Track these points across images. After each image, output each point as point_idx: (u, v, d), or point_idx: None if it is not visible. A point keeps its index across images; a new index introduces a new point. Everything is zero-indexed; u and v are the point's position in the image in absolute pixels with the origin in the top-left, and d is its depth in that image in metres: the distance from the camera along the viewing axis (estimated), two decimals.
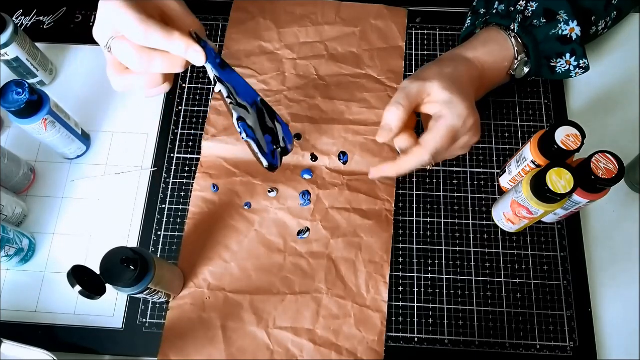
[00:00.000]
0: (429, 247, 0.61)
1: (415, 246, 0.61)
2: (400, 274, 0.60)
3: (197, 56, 0.45)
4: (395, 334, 0.57)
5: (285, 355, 0.56)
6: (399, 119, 0.51)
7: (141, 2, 0.45)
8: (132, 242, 0.62)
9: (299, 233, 0.61)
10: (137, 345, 0.57)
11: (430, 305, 0.58)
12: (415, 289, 0.59)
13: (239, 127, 0.49)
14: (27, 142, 0.66)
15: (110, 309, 0.59)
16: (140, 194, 0.64)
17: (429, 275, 0.60)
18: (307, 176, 0.63)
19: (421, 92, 0.52)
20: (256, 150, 0.49)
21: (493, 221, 0.62)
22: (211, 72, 0.48)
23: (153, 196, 0.63)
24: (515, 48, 0.59)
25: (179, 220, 0.62)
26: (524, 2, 0.60)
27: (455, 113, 0.51)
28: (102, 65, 0.70)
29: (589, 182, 0.51)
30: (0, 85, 0.56)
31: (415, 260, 0.60)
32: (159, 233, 0.62)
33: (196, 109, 0.68)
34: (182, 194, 0.63)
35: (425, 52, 0.71)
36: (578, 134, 0.51)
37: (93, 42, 0.71)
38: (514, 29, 0.59)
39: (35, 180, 0.64)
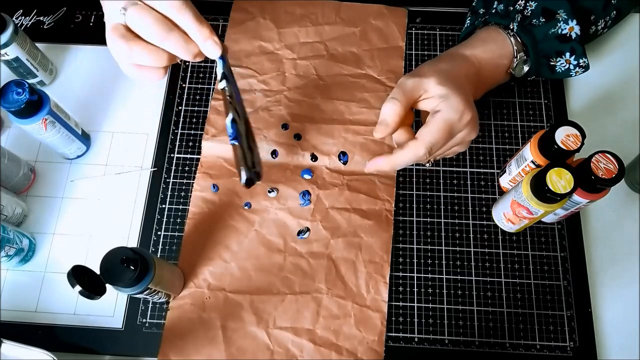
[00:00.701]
0: (429, 247, 0.61)
1: (415, 246, 0.61)
2: (400, 274, 0.60)
3: (215, 48, 0.45)
4: (395, 334, 0.57)
5: (285, 355, 0.56)
6: (395, 114, 0.52)
7: None
8: (132, 242, 0.62)
9: (299, 233, 0.61)
10: (137, 345, 0.57)
11: (430, 305, 0.58)
12: (415, 289, 0.59)
13: (231, 129, 0.48)
14: (27, 142, 0.66)
15: (110, 309, 0.59)
16: (140, 194, 0.64)
17: (429, 275, 0.60)
18: (307, 176, 0.63)
19: (418, 88, 0.53)
20: (240, 157, 0.48)
21: (493, 221, 0.62)
22: (220, 68, 0.48)
23: (153, 196, 0.63)
24: (514, 47, 0.59)
25: (179, 220, 0.62)
26: (523, 1, 0.60)
27: (451, 107, 0.51)
28: (102, 65, 0.70)
29: (589, 182, 0.51)
30: (0, 85, 0.56)
31: (415, 260, 0.60)
32: (159, 233, 0.62)
33: (196, 109, 0.68)
34: (182, 194, 0.63)
35: (425, 52, 0.71)
36: (578, 134, 0.51)
37: (93, 42, 0.72)
38: (513, 28, 0.59)
39: (35, 180, 0.64)
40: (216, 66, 0.48)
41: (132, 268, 0.47)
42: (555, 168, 0.49)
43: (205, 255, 0.60)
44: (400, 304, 0.58)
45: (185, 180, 0.64)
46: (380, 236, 0.60)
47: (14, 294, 0.59)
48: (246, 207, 0.62)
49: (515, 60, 0.60)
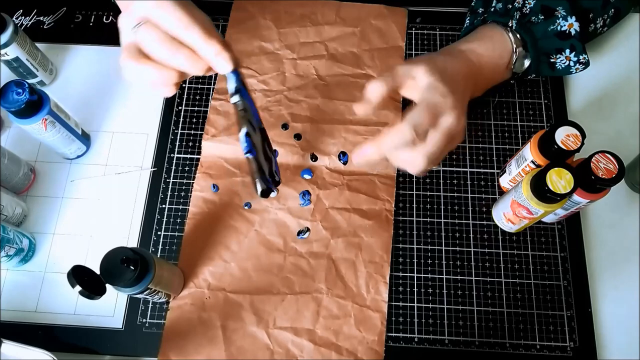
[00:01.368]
0: (429, 247, 0.61)
1: (415, 246, 0.61)
2: (400, 274, 0.60)
3: (225, 64, 0.45)
4: (395, 334, 0.57)
5: (285, 355, 0.56)
6: (379, 93, 0.51)
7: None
8: (132, 242, 0.62)
9: (299, 233, 0.61)
10: (137, 345, 0.57)
11: (430, 305, 0.58)
12: (415, 289, 0.59)
13: (245, 142, 0.48)
14: (27, 142, 0.66)
15: (110, 309, 0.59)
16: (140, 194, 0.64)
17: (429, 275, 0.60)
18: (307, 176, 0.63)
19: (406, 74, 0.52)
20: (256, 169, 0.48)
21: (493, 221, 0.62)
22: (232, 83, 0.47)
23: (153, 196, 0.63)
24: (513, 42, 0.59)
25: (179, 220, 0.62)
26: None
27: (435, 91, 0.50)
28: (102, 65, 0.70)
29: (589, 182, 0.51)
30: (0, 85, 0.56)
31: (415, 260, 0.60)
32: (159, 233, 0.62)
33: (196, 109, 0.68)
34: (182, 194, 0.63)
35: (425, 52, 0.71)
36: (578, 134, 0.51)
37: (93, 42, 0.72)
38: (512, 26, 0.59)
39: (35, 180, 0.64)
40: (227, 81, 0.47)
41: (132, 268, 0.47)
42: (555, 168, 0.49)
43: (205, 255, 0.60)
44: (400, 304, 0.58)
45: (185, 180, 0.64)
46: (380, 236, 0.60)
47: (14, 294, 0.59)
48: (246, 207, 0.62)
49: (514, 55, 0.59)
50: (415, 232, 0.61)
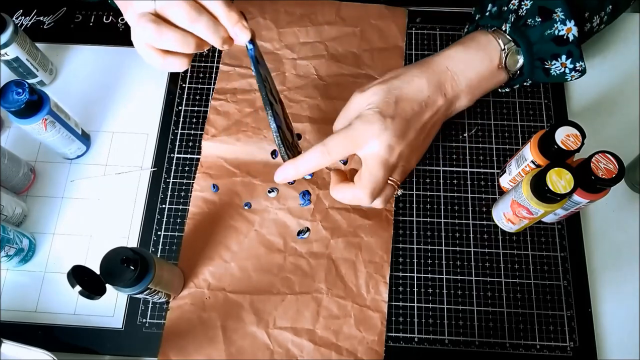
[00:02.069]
0: (429, 247, 0.61)
1: (415, 246, 0.61)
2: (400, 274, 0.60)
3: (244, 32, 0.46)
4: (395, 334, 0.57)
5: (285, 355, 0.56)
6: (317, 167, 0.52)
7: None
8: (132, 242, 0.62)
9: (299, 233, 0.61)
10: (137, 345, 0.57)
11: (430, 305, 0.58)
12: (415, 289, 0.59)
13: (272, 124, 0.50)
14: (27, 142, 0.66)
15: (110, 309, 0.59)
16: (140, 194, 0.64)
17: (429, 275, 0.60)
18: (307, 176, 0.63)
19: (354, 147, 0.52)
20: (279, 143, 0.51)
21: (493, 221, 0.62)
22: (251, 52, 0.49)
23: (153, 196, 0.63)
24: (499, 41, 0.57)
25: (179, 220, 0.62)
26: (517, 0, 0.58)
27: (377, 149, 0.51)
28: (102, 65, 0.70)
29: (589, 182, 0.51)
30: (0, 85, 0.56)
31: (415, 260, 0.60)
32: (159, 233, 0.62)
33: (196, 109, 0.68)
34: (182, 194, 0.63)
35: (425, 52, 0.70)
36: (578, 134, 0.51)
37: (93, 42, 0.72)
38: (506, 29, 0.57)
39: (35, 180, 0.64)
40: (247, 50, 0.48)
41: (132, 268, 0.47)
42: (555, 168, 0.49)
43: (205, 255, 0.60)
44: (400, 304, 0.58)
45: (185, 180, 0.64)
46: (380, 236, 0.60)
47: (14, 294, 0.59)
48: (246, 207, 0.62)
49: (503, 53, 0.57)
50: (415, 232, 0.61)
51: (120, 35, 0.72)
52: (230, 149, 0.64)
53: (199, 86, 0.69)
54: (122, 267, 0.47)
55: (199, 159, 0.65)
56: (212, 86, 0.69)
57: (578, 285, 0.59)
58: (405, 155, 0.53)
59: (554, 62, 0.58)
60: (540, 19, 0.57)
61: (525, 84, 0.62)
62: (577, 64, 0.58)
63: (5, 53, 0.63)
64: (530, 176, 0.52)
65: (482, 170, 0.64)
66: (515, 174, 0.59)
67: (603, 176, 0.50)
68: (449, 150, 0.65)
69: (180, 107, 0.68)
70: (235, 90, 0.68)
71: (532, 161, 0.55)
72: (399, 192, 0.54)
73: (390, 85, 0.55)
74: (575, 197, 0.53)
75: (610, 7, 0.61)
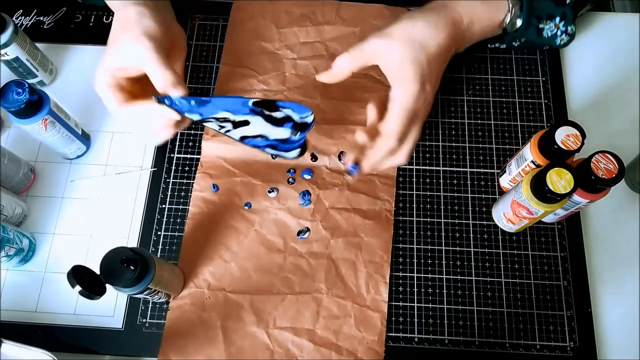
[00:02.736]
0: (429, 247, 0.61)
1: (415, 246, 0.61)
2: (400, 274, 0.60)
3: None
4: (395, 334, 0.57)
5: (285, 355, 0.56)
6: (345, 71, 0.55)
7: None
8: (132, 242, 0.62)
9: (299, 233, 0.61)
10: (137, 345, 0.57)
11: (430, 305, 0.58)
12: (415, 289, 0.59)
13: (249, 145, 0.54)
14: (27, 142, 0.66)
15: (110, 309, 0.59)
16: (140, 194, 0.64)
17: (429, 275, 0.60)
18: (307, 176, 0.63)
19: (377, 56, 0.54)
20: (275, 153, 0.54)
21: (493, 221, 0.62)
22: (194, 117, 0.53)
23: (153, 196, 0.63)
24: (510, 1, 0.59)
25: (179, 220, 0.62)
26: None
27: (406, 93, 0.53)
28: None
29: (589, 182, 0.51)
30: (0, 85, 0.56)
31: (415, 260, 0.60)
32: (159, 233, 0.62)
33: None
34: (182, 194, 0.63)
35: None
36: (578, 134, 0.51)
37: (93, 42, 0.72)
38: None
39: (35, 180, 0.64)
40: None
41: (132, 268, 0.47)
42: (555, 168, 0.49)
43: (205, 255, 0.60)
44: (400, 304, 0.58)
45: (185, 180, 0.64)
46: (380, 236, 0.60)
47: (14, 294, 0.59)
48: (246, 207, 0.62)
49: (509, 14, 0.59)
50: (415, 232, 0.61)
51: None
52: (230, 149, 0.64)
53: (199, 86, 0.69)
54: (122, 267, 0.46)
55: (199, 159, 0.65)
56: (212, 86, 0.69)
57: (578, 285, 0.59)
58: (426, 106, 0.55)
59: (548, 22, 0.61)
60: None
61: (514, 43, 0.64)
62: (569, 28, 0.61)
63: (5, 53, 0.63)
64: (530, 176, 0.52)
65: (482, 170, 0.64)
66: (515, 174, 0.59)
67: (603, 176, 0.50)
68: (449, 150, 0.65)
69: None
70: (235, 90, 0.68)
71: (532, 161, 0.55)
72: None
73: (406, 44, 0.55)
74: (575, 197, 0.53)
75: None
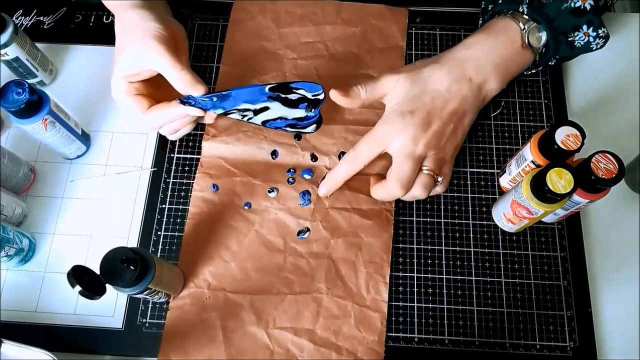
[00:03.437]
0: (429, 247, 0.61)
1: (415, 246, 0.61)
2: (400, 274, 0.60)
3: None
4: (395, 334, 0.57)
5: (285, 355, 0.56)
6: (357, 102, 0.58)
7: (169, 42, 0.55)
8: (132, 242, 0.62)
9: (299, 233, 0.61)
10: (137, 345, 0.57)
11: (430, 305, 0.58)
12: (415, 289, 0.59)
13: (271, 127, 0.59)
14: (27, 142, 0.66)
15: (110, 309, 0.59)
16: (140, 194, 0.64)
17: (429, 275, 0.60)
18: (307, 176, 0.63)
19: (386, 90, 0.58)
20: (294, 131, 0.59)
21: (493, 221, 0.62)
22: (217, 112, 0.57)
23: (153, 196, 0.63)
24: (519, 21, 0.58)
25: (179, 220, 0.62)
26: None
27: (407, 140, 0.55)
28: (102, 65, 0.70)
29: (589, 182, 0.51)
30: (0, 85, 0.56)
31: (415, 260, 0.60)
32: (159, 233, 0.62)
33: None
34: (182, 194, 0.63)
35: (425, 52, 0.70)
36: (578, 134, 0.51)
37: (93, 42, 0.72)
38: (523, 10, 0.58)
39: (35, 180, 0.64)
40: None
41: (132, 268, 0.47)
42: (555, 168, 0.49)
43: (205, 255, 0.60)
44: (400, 304, 0.58)
45: (185, 180, 0.64)
46: (380, 236, 0.60)
47: (14, 294, 0.59)
48: (246, 207, 0.62)
49: (525, 32, 0.58)
50: (415, 232, 0.61)
51: None
52: (230, 149, 0.64)
53: None
54: (122, 267, 0.47)
55: (199, 159, 0.65)
56: (212, 86, 0.69)
57: (578, 285, 0.59)
58: (433, 144, 0.56)
59: (576, 33, 0.59)
60: None
61: (550, 62, 0.63)
62: (600, 31, 0.59)
63: (5, 53, 0.63)
64: (530, 176, 0.52)
65: (482, 170, 0.64)
66: (515, 174, 0.59)
67: (603, 176, 0.50)
68: None
69: None
70: None
71: (532, 161, 0.55)
72: (439, 178, 0.57)
73: (412, 79, 0.58)
74: (575, 197, 0.53)
75: None
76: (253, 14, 0.72)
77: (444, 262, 0.60)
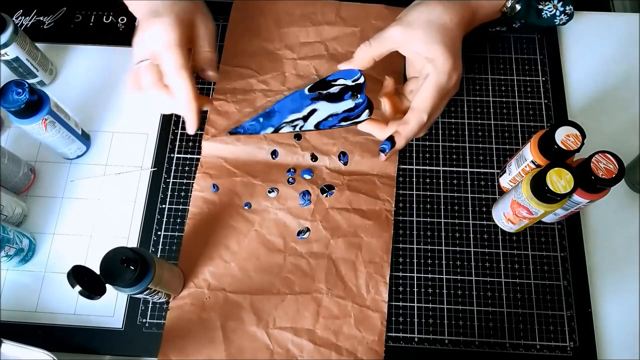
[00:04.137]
0: (429, 247, 0.61)
1: (415, 246, 0.61)
2: (400, 274, 0.60)
3: (188, 126, 0.56)
4: (395, 334, 0.57)
5: (285, 355, 0.56)
6: (366, 61, 0.56)
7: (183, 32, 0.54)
8: (132, 242, 0.62)
9: (299, 233, 0.61)
10: (137, 345, 0.57)
11: (430, 305, 0.58)
12: (415, 289, 0.59)
13: (325, 128, 0.56)
14: (27, 142, 0.66)
15: (110, 309, 0.59)
16: (140, 194, 0.64)
17: (429, 275, 0.60)
18: (307, 176, 0.63)
19: (399, 44, 0.55)
20: (349, 123, 0.56)
21: (493, 221, 0.62)
22: (268, 131, 0.56)
23: (153, 196, 0.63)
24: None
25: (179, 220, 0.62)
26: None
27: (440, 71, 0.54)
28: (102, 65, 0.70)
29: (589, 182, 0.51)
30: (0, 85, 0.56)
31: (415, 260, 0.60)
32: (159, 233, 0.62)
33: None
34: (182, 194, 0.63)
35: None
36: (578, 134, 0.51)
37: (93, 42, 0.72)
38: None
39: (35, 180, 0.64)
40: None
41: (132, 268, 0.47)
42: (555, 168, 0.49)
43: (205, 255, 0.60)
44: (400, 304, 0.58)
45: (185, 180, 0.64)
46: (380, 236, 0.60)
47: (14, 294, 0.59)
48: (246, 207, 0.62)
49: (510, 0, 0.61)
50: (415, 232, 0.61)
51: (120, 35, 0.72)
52: (230, 149, 0.64)
53: (199, 86, 0.69)
54: (122, 267, 0.47)
55: (199, 159, 0.65)
56: (212, 86, 0.69)
57: (578, 285, 0.59)
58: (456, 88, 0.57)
59: (547, 3, 0.64)
60: None
61: (514, 25, 0.66)
62: (567, 8, 0.64)
63: (5, 53, 0.63)
64: (530, 176, 0.52)
65: (482, 170, 0.64)
66: (515, 174, 0.59)
67: (603, 176, 0.50)
68: (449, 150, 0.65)
69: None
70: (235, 90, 0.68)
71: (532, 161, 0.55)
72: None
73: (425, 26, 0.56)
74: (575, 197, 0.53)
75: None
76: (253, 14, 0.72)
77: (444, 262, 0.60)
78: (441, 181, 0.64)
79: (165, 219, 0.62)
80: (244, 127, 0.55)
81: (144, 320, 0.58)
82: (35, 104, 0.56)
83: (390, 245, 0.60)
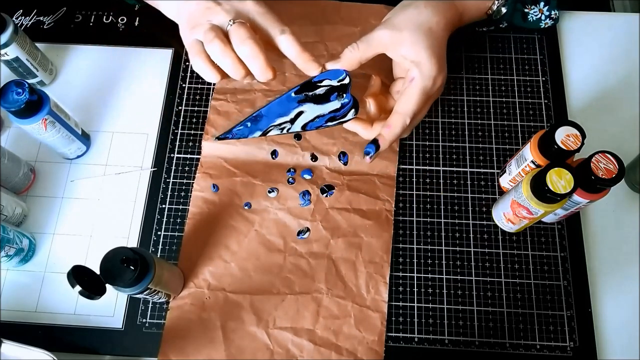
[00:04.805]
0: (429, 247, 0.61)
1: (415, 246, 0.61)
2: (400, 274, 0.60)
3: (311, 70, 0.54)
4: (395, 334, 0.57)
5: (285, 355, 0.56)
6: (353, 63, 0.55)
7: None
8: (132, 242, 0.62)
9: (299, 233, 0.61)
10: (137, 345, 0.57)
11: (430, 305, 0.58)
12: (415, 289, 0.59)
13: (312, 129, 0.55)
14: (27, 142, 0.66)
15: (110, 309, 0.59)
16: (140, 194, 0.64)
17: (429, 275, 0.60)
18: (307, 176, 0.63)
19: (386, 46, 0.55)
20: (335, 123, 0.55)
21: (493, 221, 0.62)
22: (256, 135, 0.55)
23: (153, 196, 0.63)
24: None
25: (179, 220, 0.62)
26: None
27: (426, 75, 0.54)
28: (102, 65, 0.70)
29: (589, 182, 0.51)
30: (0, 85, 0.56)
31: (415, 260, 0.60)
32: (159, 233, 0.62)
33: (196, 109, 0.68)
34: (182, 194, 0.63)
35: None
36: (578, 134, 0.51)
37: (93, 42, 0.72)
38: None
39: (35, 180, 0.64)
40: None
41: (132, 268, 0.47)
42: (555, 168, 0.49)
43: (205, 255, 0.60)
44: (400, 304, 0.58)
45: (185, 180, 0.64)
46: (380, 236, 0.60)
47: (14, 294, 0.59)
48: (246, 207, 0.62)
49: (496, 2, 0.62)
50: (415, 232, 0.61)
51: (120, 35, 0.72)
52: (230, 149, 0.64)
53: (199, 86, 0.69)
54: (122, 267, 0.47)
55: (199, 159, 0.65)
56: (212, 86, 0.69)
57: (578, 285, 0.59)
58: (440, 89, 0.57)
59: (533, 7, 0.64)
60: None
61: (500, 25, 0.66)
62: (552, 12, 0.65)
63: (5, 53, 0.63)
64: (530, 176, 0.52)
65: (482, 170, 0.64)
66: (515, 174, 0.59)
67: (603, 176, 0.50)
68: (449, 150, 0.65)
69: (180, 107, 0.68)
70: (235, 90, 0.68)
71: (532, 161, 0.55)
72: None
73: (413, 28, 0.56)
74: (575, 197, 0.53)
75: None
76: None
77: (444, 262, 0.60)
78: (441, 181, 0.64)
79: (165, 219, 0.62)
80: (232, 133, 0.55)
81: (144, 320, 0.58)
82: (35, 104, 0.56)
83: (390, 245, 0.60)
